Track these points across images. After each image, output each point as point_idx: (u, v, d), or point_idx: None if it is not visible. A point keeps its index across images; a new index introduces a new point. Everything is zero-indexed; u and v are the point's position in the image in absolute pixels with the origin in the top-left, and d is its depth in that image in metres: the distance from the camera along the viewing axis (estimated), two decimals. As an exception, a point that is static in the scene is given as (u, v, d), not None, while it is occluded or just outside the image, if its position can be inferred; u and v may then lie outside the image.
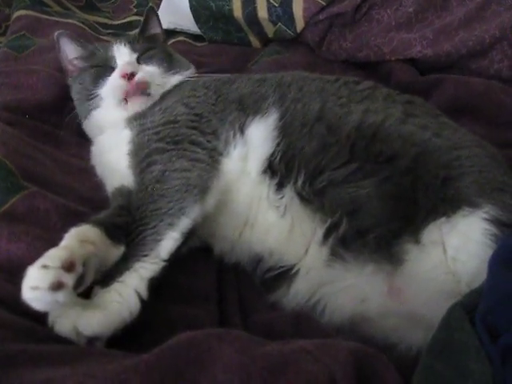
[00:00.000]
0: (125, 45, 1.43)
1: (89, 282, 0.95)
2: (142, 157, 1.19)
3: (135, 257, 1.01)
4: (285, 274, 1.14)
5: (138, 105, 1.33)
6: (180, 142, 1.19)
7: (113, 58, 1.40)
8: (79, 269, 0.90)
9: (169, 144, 1.19)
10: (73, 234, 0.99)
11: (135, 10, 2.51)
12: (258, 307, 1.15)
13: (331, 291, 1.10)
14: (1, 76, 1.64)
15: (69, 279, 0.87)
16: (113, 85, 1.34)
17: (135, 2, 2.58)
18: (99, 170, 1.34)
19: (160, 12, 2.34)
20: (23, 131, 1.39)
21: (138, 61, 1.40)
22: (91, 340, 0.90)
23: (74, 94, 1.45)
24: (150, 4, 1.63)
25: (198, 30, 2.22)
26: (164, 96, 1.38)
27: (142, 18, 2.35)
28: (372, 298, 1.06)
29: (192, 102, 1.29)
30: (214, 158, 1.18)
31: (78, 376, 0.72)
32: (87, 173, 1.35)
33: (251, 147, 1.20)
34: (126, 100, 1.33)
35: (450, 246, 1.02)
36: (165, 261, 1.03)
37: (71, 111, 1.44)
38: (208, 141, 1.20)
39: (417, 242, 1.05)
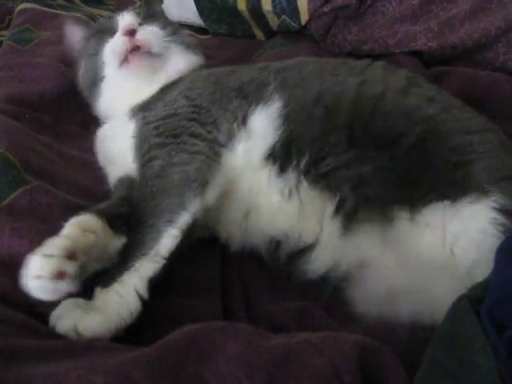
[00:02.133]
0: (128, 11, 1.42)
1: (91, 271, 0.97)
2: (143, 151, 1.18)
3: (134, 256, 0.99)
4: (305, 250, 1.14)
5: (140, 64, 1.32)
6: (179, 135, 1.17)
7: (116, 23, 1.39)
8: (81, 258, 0.91)
9: (168, 138, 1.17)
10: (74, 222, 0.98)
11: (139, 3, 2.50)
12: (262, 299, 1.14)
13: (352, 262, 1.10)
14: (4, 69, 1.64)
15: (71, 268, 0.88)
16: (114, 43, 1.33)
17: (140, -5, 2.58)
18: (102, 159, 1.33)
19: (164, 5, 2.34)
20: (26, 124, 1.38)
21: (142, 24, 1.39)
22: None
23: (81, 71, 1.44)
24: None
25: (202, 23, 2.22)
26: (168, 88, 1.35)
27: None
28: (371, 254, 1.08)
29: (193, 94, 1.27)
30: (214, 150, 1.16)
31: (80, 370, 0.71)
32: (90, 166, 1.34)
33: (254, 138, 1.18)
34: (127, 60, 1.31)
35: (450, 230, 1.02)
36: (165, 259, 1.01)
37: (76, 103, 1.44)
38: (208, 131, 1.19)
39: (412, 219, 1.05)
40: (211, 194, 1.11)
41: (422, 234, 1.04)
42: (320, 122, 1.14)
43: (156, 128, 1.20)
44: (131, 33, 1.31)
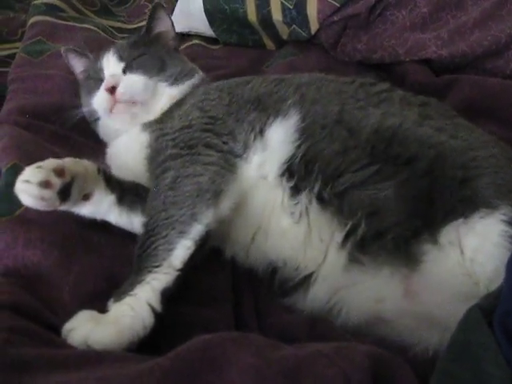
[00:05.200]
0: (113, 54, 1.44)
1: (74, 199, 1.09)
2: (158, 163, 1.19)
3: (147, 268, 1.00)
4: (303, 281, 1.13)
5: (122, 115, 1.36)
6: (194, 146, 1.18)
7: (101, 70, 1.43)
8: (67, 177, 1.04)
9: (183, 149, 1.18)
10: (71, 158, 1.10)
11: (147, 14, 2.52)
12: (273, 310, 1.14)
13: (348, 294, 1.09)
14: (17, 81, 1.66)
15: (57, 182, 1.02)
16: (99, 99, 1.38)
17: (150, 7, 2.59)
18: (114, 171, 1.34)
19: (174, 15, 2.36)
20: (39, 135, 1.40)
21: (125, 70, 1.41)
22: None
23: (82, 102, 1.48)
24: (158, 1, 1.57)
25: (213, 33, 2.23)
26: (181, 102, 1.37)
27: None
28: (388, 300, 1.06)
29: (207, 106, 1.29)
30: (229, 162, 1.17)
31: (93, 381, 0.72)
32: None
33: (270, 150, 1.18)
34: (111, 111, 1.35)
35: (467, 247, 1.02)
36: (178, 270, 1.01)
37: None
38: (224, 142, 1.20)
39: (435, 242, 1.04)
40: (225, 204, 1.11)
41: (447, 254, 1.03)
42: (341, 140, 1.15)
43: (172, 140, 1.22)
44: (113, 89, 1.34)
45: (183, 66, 1.49)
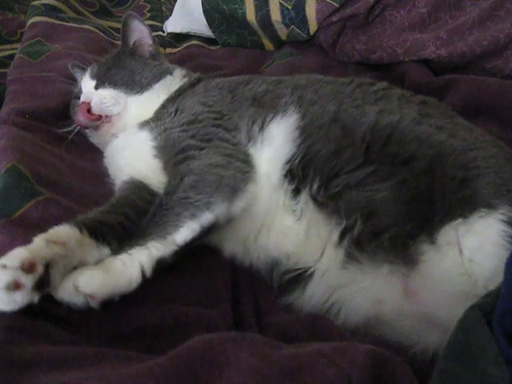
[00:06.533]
0: (87, 73, 1.51)
1: (58, 282, 0.93)
2: (175, 152, 1.21)
3: (151, 236, 1.03)
4: (300, 277, 1.14)
5: (100, 130, 1.42)
6: (210, 140, 1.21)
7: (80, 90, 1.51)
8: (39, 270, 0.88)
9: (202, 142, 1.21)
10: (43, 235, 0.97)
11: (149, 15, 2.52)
12: (273, 309, 1.14)
13: (346, 293, 1.09)
14: (16, 82, 1.66)
15: (27, 280, 0.86)
16: (77, 119, 1.43)
17: (149, 7, 2.59)
18: (112, 171, 1.36)
19: (173, 16, 2.37)
20: (38, 137, 1.40)
21: (97, 87, 1.46)
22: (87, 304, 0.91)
23: None
24: (129, 12, 1.60)
25: (212, 34, 2.24)
26: (172, 99, 1.42)
27: (155, 23, 2.39)
28: (387, 300, 1.06)
29: (209, 101, 1.32)
30: (246, 156, 1.20)
31: (93, 379, 0.72)
32: (101, 178, 1.35)
33: (273, 148, 1.20)
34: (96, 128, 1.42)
35: (466, 247, 1.01)
36: (179, 247, 1.04)
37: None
38: (233, 136, 1.23)
39: (433, 242, 1.04)
40: (239, 204, 1.13)
41: (446, 254, 1.03)
42: (337, 139, 1.15)
43: (185, 131, 1.24)
44: (88, 109, 1.40)
45: (154, 71, 1.51)
